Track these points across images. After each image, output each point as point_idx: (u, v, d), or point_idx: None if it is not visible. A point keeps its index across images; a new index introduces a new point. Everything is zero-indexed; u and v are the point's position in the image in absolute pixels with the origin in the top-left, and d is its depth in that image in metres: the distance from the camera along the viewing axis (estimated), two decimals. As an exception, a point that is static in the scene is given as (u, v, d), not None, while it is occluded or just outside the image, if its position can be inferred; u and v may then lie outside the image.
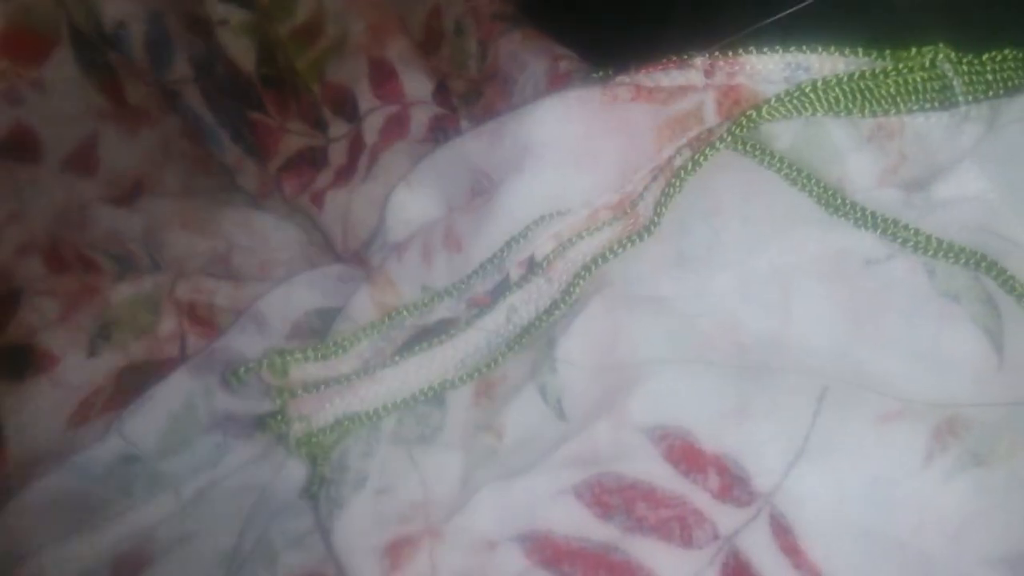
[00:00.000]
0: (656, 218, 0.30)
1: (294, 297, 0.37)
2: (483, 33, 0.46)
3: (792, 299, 0.30)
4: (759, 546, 0.30)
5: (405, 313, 0.33)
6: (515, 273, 0.32)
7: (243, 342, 0.37)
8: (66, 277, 0.48)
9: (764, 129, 0.30)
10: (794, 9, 0.31)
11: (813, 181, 0.29)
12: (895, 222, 0.29)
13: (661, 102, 0.31)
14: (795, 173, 0.29)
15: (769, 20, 0.32)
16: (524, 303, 0.32)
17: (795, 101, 0.28)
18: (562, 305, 0.31)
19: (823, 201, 0.29)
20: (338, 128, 0.50)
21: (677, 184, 0.29)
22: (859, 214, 0.29)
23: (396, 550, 0.30)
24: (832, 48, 0.29)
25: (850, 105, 0.28)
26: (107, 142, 0.52)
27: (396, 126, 0.48)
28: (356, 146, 0.49)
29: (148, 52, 0.50)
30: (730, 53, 0.30)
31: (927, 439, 0.29)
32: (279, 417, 0.32)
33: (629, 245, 0.30)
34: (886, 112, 0.29)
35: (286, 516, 0.33)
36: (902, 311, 0.29)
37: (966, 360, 0.29)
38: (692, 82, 0.31)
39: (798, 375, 0.30)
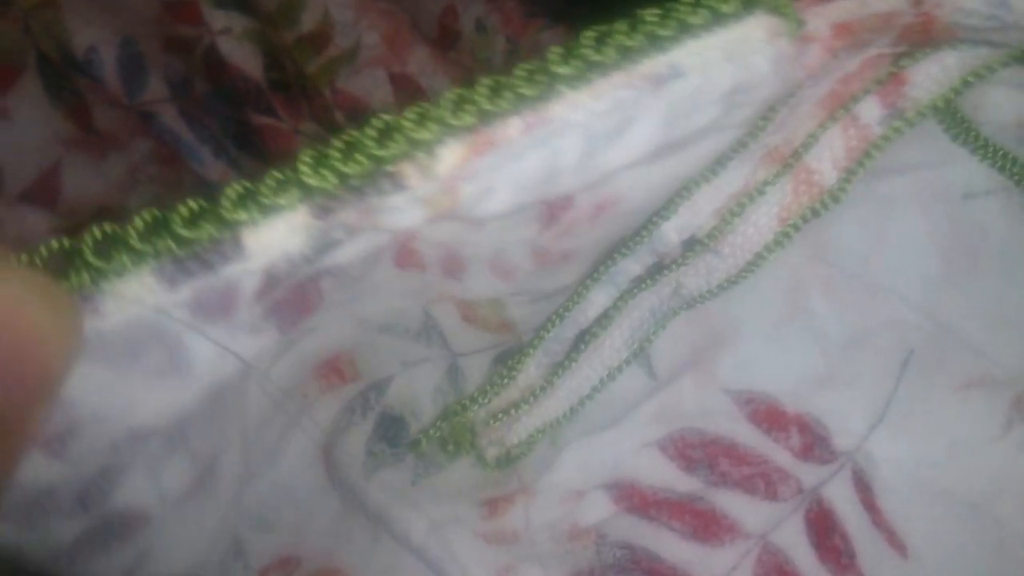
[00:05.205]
0: (845, 185, 0.28)
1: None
2: (512, 30, 0.47)
3: (890, 221, 0.30)
4: (843, 497, 0.31)
5: (558, 320, 0.30)
6: (673, 253, 0.30)
7: None
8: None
9: None
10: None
11: (944, 103, 0.28)
12: (1015, 158, 0.29)
13: (865, 43, 0.26)
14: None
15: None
16: (691, 277, 0.30)
17: (1008, 63, 0.27)
18: (741, 280, 0.30)
19: (947, 123, 0.28)
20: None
21: (874, 152, 0.27)
22: (980, 145, 0.29)
23: (493, 504, 0.30)
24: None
25: None
26: (71, 170, 0.51)
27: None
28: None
29: (121, 75, 0.50)
30: None
31: (1007, 408, 0.30)
32: (471, 447, 0.31)
33: (811, 216, 0.28)
34: None
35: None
36: (995, 254, 0.30)
37: None
38: (900, 9, 0.26)
39: (886, 338, 0.31)
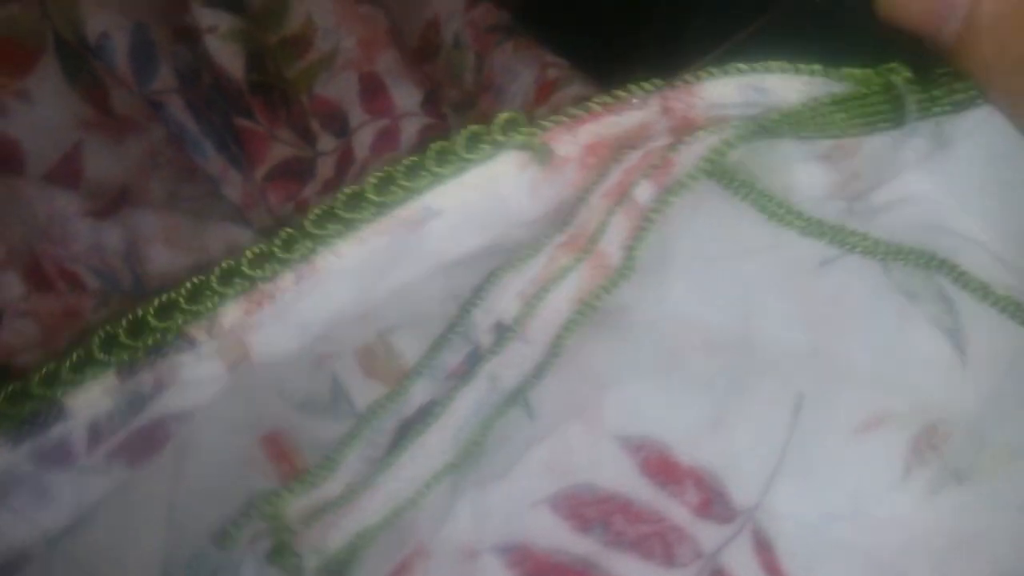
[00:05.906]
0: (630, 263, 0.28)
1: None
2: (479, 46, 0.47)
3: (751, 303, 0.29)
4: (743, 564, 0.30)
5: (381, 411, 0.30)
6: (486, 340, 0.30)
7: None
8: (47, 297, 0.48)
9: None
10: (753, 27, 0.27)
11: (756, 192, 0.28)
12: (842, 229, 0.28)
13: (631, 147, 0.28)
14: (738, 184, 0.28)
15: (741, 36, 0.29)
16: (505, 368, 0.29)
17: (760, 132, 0.27)
18: (549, 367, 0.29)
19: (767, 211, 0.28)
20: (327, 143, 0.50)
21: (648, 226, 0.28)
22: (804, 223, 0.28)
23: None
24: (788, 67, 0.27)
25: (812, 132, 0.27)
26: (92, 152, 0.52)
27: (387, 140, 0.48)
28: (345, 160, 0.48)
29: (131, 63, 0.50)
30: (684, 80, 0.27)
31: (905, 451, 0.29)
32: (287, 553, 0.29)
33: (604, 295, 0.28)
34: (845, 135, 0.28)
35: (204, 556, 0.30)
36: (862, 308, 0.29)
37: (930, 361, 0.29)
38: (650, 120, 0.27)
39: (773, 382, 0.29)
